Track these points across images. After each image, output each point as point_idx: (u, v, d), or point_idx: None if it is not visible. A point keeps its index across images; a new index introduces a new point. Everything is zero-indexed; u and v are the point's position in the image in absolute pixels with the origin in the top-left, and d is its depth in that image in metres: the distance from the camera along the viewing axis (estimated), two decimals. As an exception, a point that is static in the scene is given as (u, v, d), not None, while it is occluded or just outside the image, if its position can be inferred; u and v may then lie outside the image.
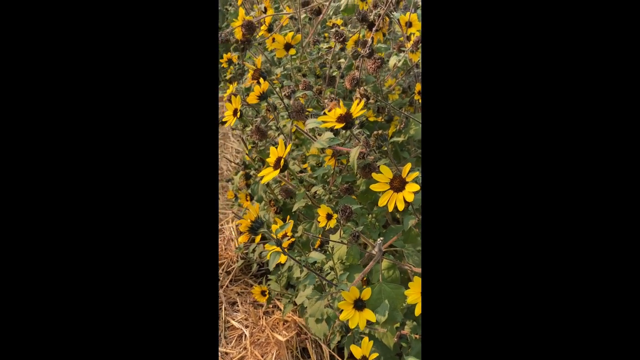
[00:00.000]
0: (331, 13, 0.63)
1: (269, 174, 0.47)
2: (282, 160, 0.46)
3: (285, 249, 0.44)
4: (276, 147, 0.48)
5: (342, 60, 0.66)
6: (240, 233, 1.20)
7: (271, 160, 0.48)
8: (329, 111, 0.46)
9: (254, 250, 1.08)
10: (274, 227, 0.48)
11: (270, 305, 1.01)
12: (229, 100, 0.67)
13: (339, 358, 0.88)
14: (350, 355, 0.46)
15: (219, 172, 1.58)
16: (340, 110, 0.45)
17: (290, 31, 0.72)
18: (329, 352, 0.88)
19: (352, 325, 0.42)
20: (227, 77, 1.46)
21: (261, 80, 0.52)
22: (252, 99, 0.54)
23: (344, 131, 0.47)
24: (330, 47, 0.76)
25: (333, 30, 0.62)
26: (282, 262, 0.45)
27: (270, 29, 0.76)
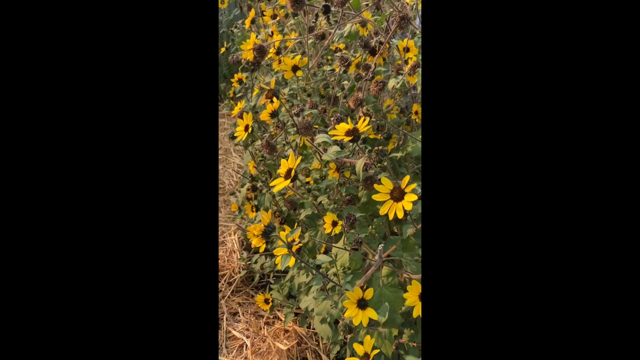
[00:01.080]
0: (336, 39, 0.69)
1: (280, 184, 0.51)
2: (293, 171, 0.50)
3: (294, 253, 0.48)
4: (286, 160, 0.52)
5: (345, 82, 0.72)
6: (243, 245, 1.23)
7: (282, 171, 0.53)
8: (337, 126, 0.51)
9: (256, 262, 1.10)
10: (282, 234, 0.52)
11: (271, 316, 1.04)
12: (240, 117, 0.72)
13: (338, 367, 0.90)
14: (353, 355, 0.49)
15: (221, 186, 1.62)
16: (348, 126, 0.50)
17: (296, 54, 0.78)
18: (329, 361, 0.90)
19: (355, 322, 0.46)
20: (231, 95, 1.52)
21: (274, 99, 0.57)
22: (264, 116, 0.59)
23: (350, 144, 0.52)
24: (333, 70, 0.82)
25: (338, 54, 0.67)
26: (291, 265, 0.49)
27: (278, 52, 0.82)
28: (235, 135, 0.67)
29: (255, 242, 0.50)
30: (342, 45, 0.91)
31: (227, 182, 1.63)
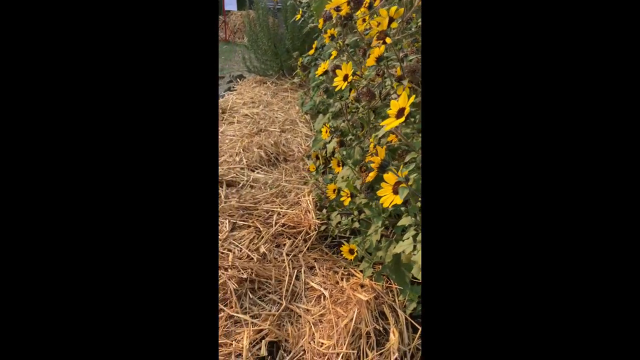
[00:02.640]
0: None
1: (391, 123, 0.52)
2: (407, 109, 0.51)
3: (409, 186, 0.50)
4: (397, 100, 0.53)
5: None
6: (316, 205, 1.27)
7: (392, 111, 0.54)
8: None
9: (330, 219, 1.14)
10: (389, 176, 0.54)
11: (346, 273, 1.08)
12: (333, 71, 0.74)
13: (414, 323, 0.92)
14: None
15: (291, 153, 1.67)
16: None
17: (393, 6, 0.77)
18: (405, 317, 0.92)
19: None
20: (299, 64, 1.54)
21: (387, 40, 0.58)
22: (371, 61, 0.60)
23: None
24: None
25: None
26: (399, 202, 0.51)
27: (370, 6, 0.82)
28: (334, 85, 0.69)
29: (371, 175, 0.52)
30: None
31: (297, 150, 1.68)
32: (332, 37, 0.83)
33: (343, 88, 0.68)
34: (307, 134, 1.82)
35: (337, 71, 0.70)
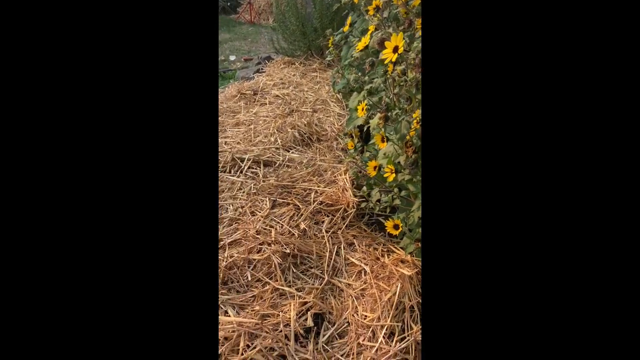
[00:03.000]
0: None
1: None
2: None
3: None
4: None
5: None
6: (353, 184, 1.28)
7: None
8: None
9: (370, 196, 1.15)
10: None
11: (385, 249, 1.09)
12: (380, 44, 0.73)
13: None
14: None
15: (324, 133, 1.68)
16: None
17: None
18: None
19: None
20: (330, 45, 1.52)
21: None
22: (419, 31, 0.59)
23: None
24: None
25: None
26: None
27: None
28: (382, 57, 0.68)
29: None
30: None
31: (330, 130, 1.68)
32: (377, 8, 0.82)
33: (394, 60, 0.67)
34: (340, 113, 1.81)
35: (387, 43, 0.69)
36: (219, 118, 1.87)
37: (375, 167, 1.00)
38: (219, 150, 1.52)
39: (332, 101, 1.96)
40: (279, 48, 2.95)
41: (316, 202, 1.21)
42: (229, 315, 0.87)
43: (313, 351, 0.82)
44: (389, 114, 0.81)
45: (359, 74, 1.46)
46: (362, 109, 1.24)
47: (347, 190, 1.23)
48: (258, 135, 1.64)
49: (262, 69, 2.78)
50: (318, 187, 1.27)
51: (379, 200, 1.12)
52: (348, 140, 1.25)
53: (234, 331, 0.83)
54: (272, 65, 2.82)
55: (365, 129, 1.33)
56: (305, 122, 1.69)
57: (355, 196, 1.21)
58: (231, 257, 1.01)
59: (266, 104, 1.99)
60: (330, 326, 0.89)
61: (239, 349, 0.81)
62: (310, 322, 0.87)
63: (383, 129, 0.84)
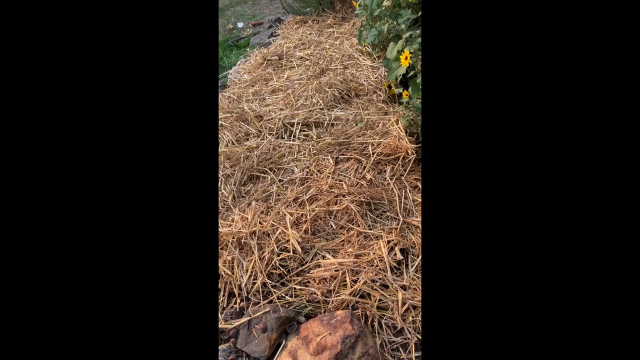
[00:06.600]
0: None
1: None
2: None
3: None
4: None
5: None
6: (407, 132, 1.35)
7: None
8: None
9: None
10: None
11: (448, 187, 1.18)
12: None
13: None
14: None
15: (361, 87, 1.72)
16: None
17: None
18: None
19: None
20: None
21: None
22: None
23: None
24: None
25: None
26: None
27: None
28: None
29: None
30: None
31: (367, 84, 1.72)
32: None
33: None
34: (372, 65, 1.84)
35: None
36: (254, 87, 1.91)
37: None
38: (268, 118, 1.59)
39: (359, 55, 1.97)
40: (287, 7, 2.89)
41: (375, 154, 1.29)
42: (329, 259, 1.00)
43: (408, 279, 0.95)
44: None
45: (394, 22, 1.48)
46: (406, 58, 1.28)
47: (402, 139, 1.31)
48: (299, 99, 1.69)
49: (275, 32, 2.76)
50: (373, 139, 1.34)
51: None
52: (392, 90, 1.30)
53: (337, 270, 0.96)
54: (285, 26, 2.78)
55: (407, 77, 1.37)
56: (341, 80, 1.73)
57: (412, 143, 1.29)
58: (313, 211, 1.12)
59: (294, 67, 2.02)
60: (415, 258, 1.01)
61: (346, 283, 0.94)
62: (399, 256, 0.99)
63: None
